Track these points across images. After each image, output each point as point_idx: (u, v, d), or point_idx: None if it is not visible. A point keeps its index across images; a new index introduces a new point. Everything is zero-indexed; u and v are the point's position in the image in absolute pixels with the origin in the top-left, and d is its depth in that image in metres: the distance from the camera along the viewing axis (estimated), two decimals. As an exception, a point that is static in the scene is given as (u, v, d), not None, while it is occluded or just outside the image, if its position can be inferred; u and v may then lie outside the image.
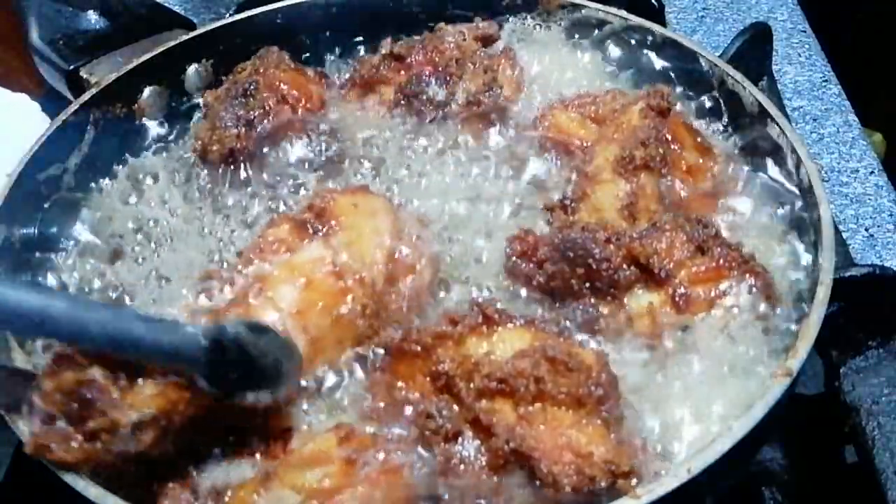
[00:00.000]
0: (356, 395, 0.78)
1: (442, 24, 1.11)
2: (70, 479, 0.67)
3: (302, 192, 0.98)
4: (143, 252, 0.95)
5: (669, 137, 0.90)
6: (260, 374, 0.70)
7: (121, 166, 1.04)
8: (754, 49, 1.18)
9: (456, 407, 0.70)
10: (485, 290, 0.86)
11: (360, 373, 0.80)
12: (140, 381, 0.65)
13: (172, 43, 1.10)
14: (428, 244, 0.85)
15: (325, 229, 0.80)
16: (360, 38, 1.18)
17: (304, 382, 0.77)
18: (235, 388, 0.68)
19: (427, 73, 1.04)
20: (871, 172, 1.31)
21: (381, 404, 0.75)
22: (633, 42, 1.09)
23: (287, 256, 0.78)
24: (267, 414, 0.73)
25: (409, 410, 0.73)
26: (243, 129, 0.98)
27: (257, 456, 0.72)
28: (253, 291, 0.76)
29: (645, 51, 1.08)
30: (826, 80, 1.47)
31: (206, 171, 1.00)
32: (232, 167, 0.98)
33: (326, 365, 0.77)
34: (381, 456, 0.69)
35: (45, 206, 0.97)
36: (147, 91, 1.08)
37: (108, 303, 0.89)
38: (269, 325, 0.73)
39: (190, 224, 0.97)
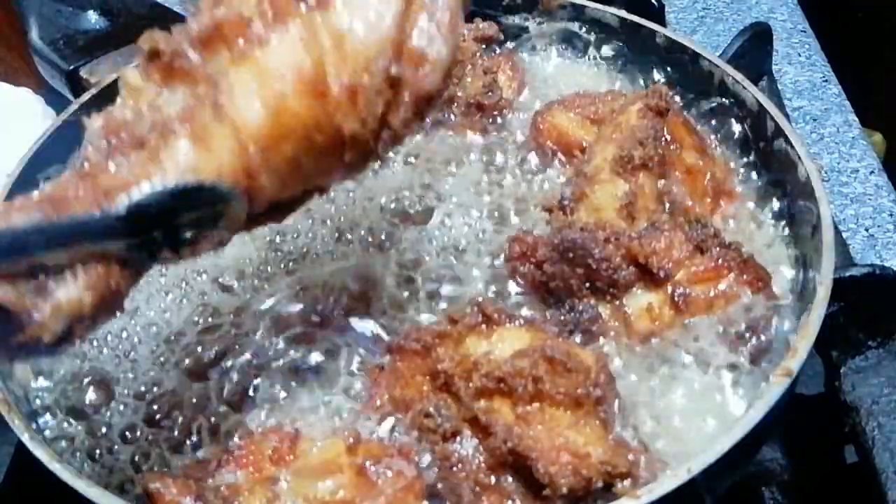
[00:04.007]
0: (357, 394, 0.78)
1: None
2: (70, 478, 0.67)
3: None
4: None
5: (668, 137, 0.90)
6: (192, 226, 0.60)
7: (121, 166, 1.04)
8: (754, 49, 1.18)
9: (455, 406, 0.70)
10: (485, 291, 0.86)
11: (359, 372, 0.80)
12: (52, 284, 0.55)
13: (172, 43, 1.10)
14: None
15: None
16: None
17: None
18: (161, 248, 0.59)
19: (427, 73, 1.04)
20: (871, 172, 1.31)
21: (383, 403, 0.75)
22: (632, 42, 1.09)
23: (255, 53, 0.59)
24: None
25: (409, 410, 0.73)
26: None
27: (266, 458, 0.71)
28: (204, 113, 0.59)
29: (644, 51, 1.08)
30: (826, 80, 1.47)
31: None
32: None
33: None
34: (393, 468, 0.69)
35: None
36: (147, 91, 1.08)
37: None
38: (203, 183, 0.59)
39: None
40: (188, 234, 0.60)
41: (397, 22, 0.61)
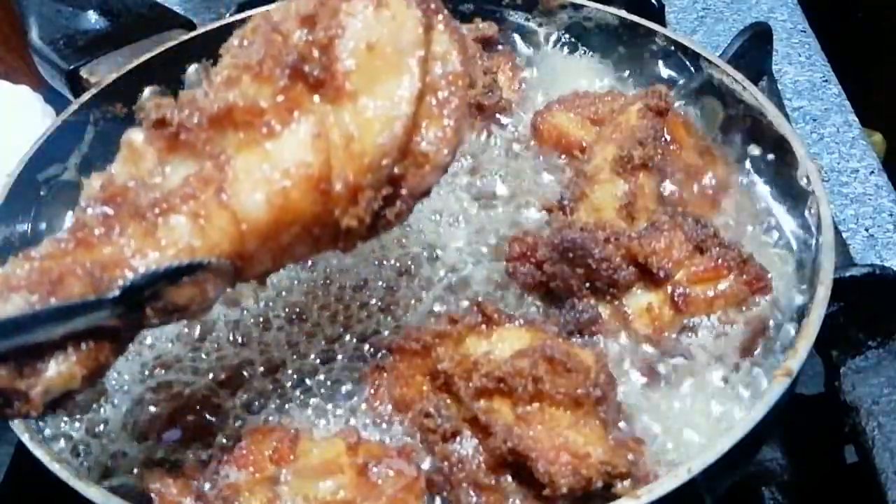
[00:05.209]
0: (357, 395, 0.78)
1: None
2: (70, 479, 0.67)
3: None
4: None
5: (668, 137, 0.90)
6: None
7: (121, 166, 1.04)
8: (754, 49, 1.18)
9: (455, 406, 0.70)
10: (484, 291, 0.86)
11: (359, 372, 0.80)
12: (41, 364, 0.56)
13: (172, 43, 1.10)
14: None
15: (328, 91, 0.60)
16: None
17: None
18: (149, 318, 0.60)
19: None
20: (871, 172, 1.31)
21: (383, 403, 0.75)
22: (632, 42, 1.08)
23: (265, 144, 0.60)
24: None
25: (409, 410, 0.73)
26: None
27: (267, 458, 0.71)
28: (206, 195, 0.59)
29: (644, 51, 1.08)
30: (826, 80, 1.47)
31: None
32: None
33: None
34: (393, 468, 0.69)
35: (45, 206, 0.97)
36: (147, 91, 1.08)
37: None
38: (198, 262, 0.59)
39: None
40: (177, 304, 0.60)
41: (406, 126, 0.62)
